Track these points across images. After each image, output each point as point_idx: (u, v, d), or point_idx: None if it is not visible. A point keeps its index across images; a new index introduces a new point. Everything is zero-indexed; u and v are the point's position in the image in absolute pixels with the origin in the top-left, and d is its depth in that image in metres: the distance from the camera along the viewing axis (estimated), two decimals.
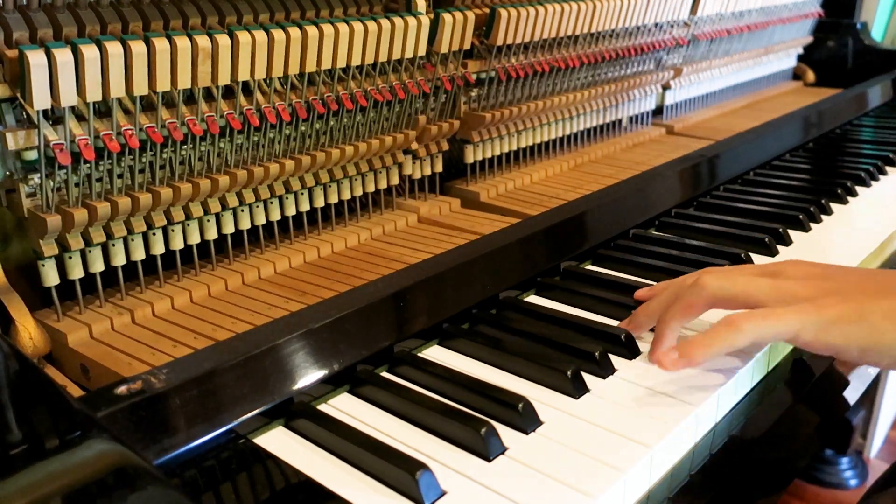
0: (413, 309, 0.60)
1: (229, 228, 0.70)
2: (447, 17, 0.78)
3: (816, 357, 0.62)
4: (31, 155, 0.57)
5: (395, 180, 0.84)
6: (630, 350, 0.57)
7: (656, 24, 1.09)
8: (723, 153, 1.01)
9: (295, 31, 0.65)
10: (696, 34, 1.21)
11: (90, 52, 0.54)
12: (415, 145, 0.82)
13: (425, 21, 0.76)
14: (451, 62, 0.83)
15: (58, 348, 0.60)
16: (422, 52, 0.76)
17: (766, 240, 0.77)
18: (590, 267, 0.74)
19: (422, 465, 0.43)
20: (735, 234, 0.79)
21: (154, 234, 0.64)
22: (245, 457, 0.46)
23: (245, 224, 0.71)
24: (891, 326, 0.48)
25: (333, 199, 0.78)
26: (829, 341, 0.49)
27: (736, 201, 0.91)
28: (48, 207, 0.59)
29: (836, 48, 1.66)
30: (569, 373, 0.52)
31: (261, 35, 0.63)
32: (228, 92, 0.67)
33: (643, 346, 0.58)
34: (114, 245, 0.62)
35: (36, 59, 0.52)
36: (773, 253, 0.76)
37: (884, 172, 1.06)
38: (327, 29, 0.67)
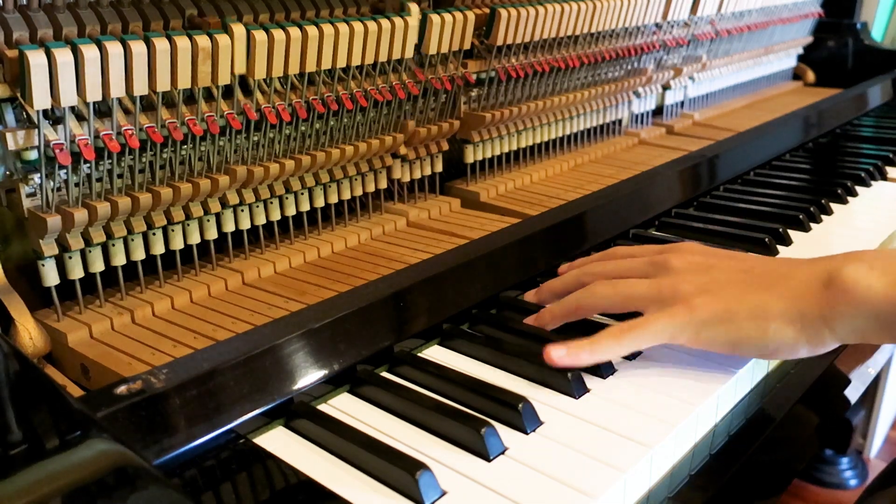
0: (413, 309, 0.60)
1: (229, 228, 0.70)
2: (435, 17, 0.78)
3: (816, 357, 0.62)
4: (31, 155, 0.57)
5: (396, 179, 0.83)
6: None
7: (656, 24, 1.09)
8: (723, 153, 1.01)
9: (295, 31, 0.65)
10: (696, 34, 1.21)
11: (90, 52, 0.54)
12: (403, 149, 0.82)
13: (414, 22, 0.76)
14: (451, 62, 0.83)
15: (58, 348, 0.60)
16: (409, 53, 0.76)
17: (766, 240, 0.77)
18: None
19: (422, 465, 0.43)
20: (735, 234, 0.79)
21: (154, 234, 0.64)
22: (245, 457, 0.46)
23: (245, 224, 0.71)
24: (753, 324, 0.51)
25: (333, 199, 0.78)
26: (702, 340, 0.53)
27: (736, 201, 0.91)
28: (48, 207, 0.59)
29: (836, 48, 1.66)
30: (569, 373, 0.52)
31: (261, 35, 0.63)
32: (228, 92, 0.67)
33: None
34: (114, 245, 0.62)
35: (36, 59, 0.52)
36: (773, 253, 0.76)
37: (884, 172, 1.06)
38: (327, 29, 0.68)
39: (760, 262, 0.57)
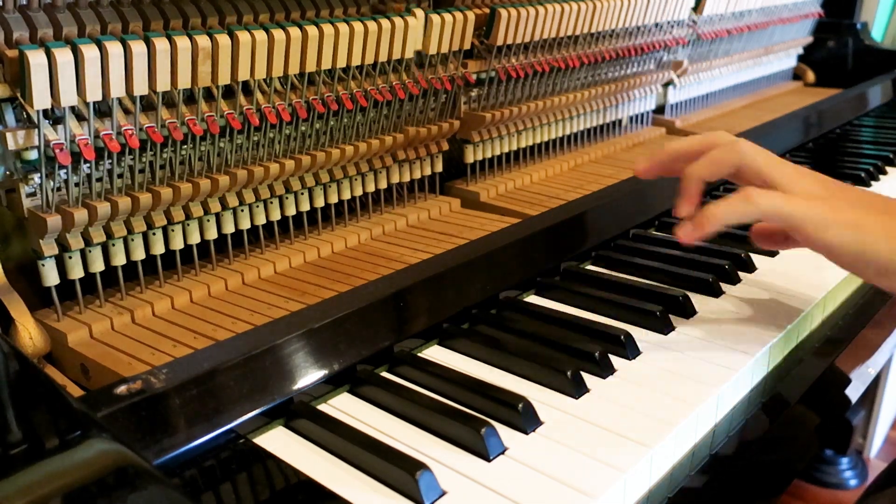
0: (413, 309, 0.60)
1: (229, 228, 0.70)
2: (435, 18, 0.78)
3: (817, 356, 0.62)
4: (32, 155, 0.57)
5: (396, 180, 0.83)
6: (630, 350, 0.57)
7: (656, 24, 1.09)
8: None
9: (295, 31, 0.65)
10: (696, 34, 1.21)
11: (90, 51, 0.54)
12: (402, 154, 0.82)
13: (415, 23, 0.76)
14: (451, 62, 0.83)
15: (58, 348, 0.60)
16: (409, 54, 0.76)
17: None
18: (590, 267, 0.74)
19: (422, 465, 0.43)
20: (735, 234, 0.79)
21: (154, 234, 0.64)
22: (245, 457, 0.46)
23: (245, 224, 0.71)
24: (884, 239, 0.52)
25: (333, 199, 0.78)
26: (826, 239, 0.53)
27: None
28: (48, 207, 0.59)
29: (836, 48, 1.66)
30: (569, 373, 0.52)
31: (261, 35, 0.63)
32: (228, 92, 0.67)
33: (643, 346, 0.58)
34: (114, 245, 0.62)
35: (36, 58, 0.52)
36: (773, 253, 0.76)
37: (884, 172, 1.06)
38: (327, 29, 0.68)
39: (880, 197, 0.58)
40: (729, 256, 0.73)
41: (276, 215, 0.74)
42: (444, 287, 0.63)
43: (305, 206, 0.76)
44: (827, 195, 0.55)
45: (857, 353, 0.68)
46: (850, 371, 0.67)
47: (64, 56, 0.53)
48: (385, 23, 0.72)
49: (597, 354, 0.55)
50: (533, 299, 0.68)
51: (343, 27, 0.69)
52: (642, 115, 1.20)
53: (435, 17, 0.77)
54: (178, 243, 0.66)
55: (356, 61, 0.71)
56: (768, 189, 0.55)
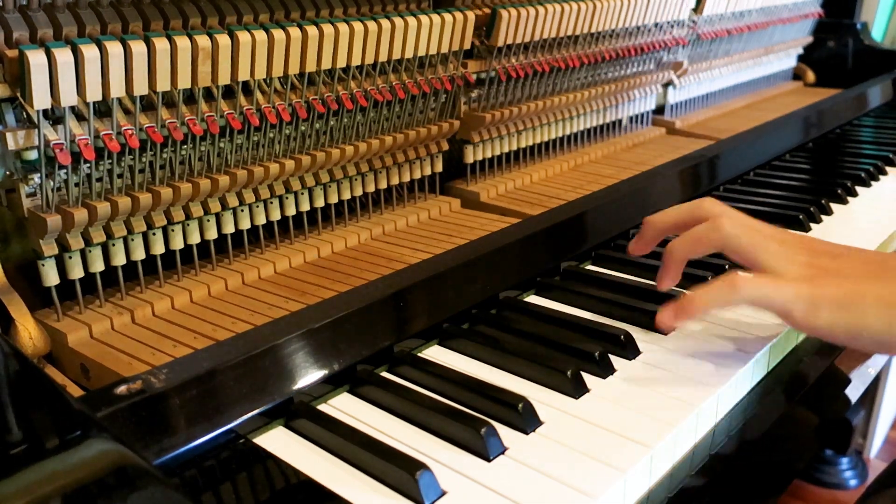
0: (413, 309, 0.60)
1: (229, 228, 0.70)
2: (436, 18, 0.78)
3: (817, 357, 0.62)
4: (31, 155, 0.57)
5: (395, 180, 0.84)
6: (630, 350, 0.57)
7: (656, 24, 1.09)
8: (723, 153, 1.01)
9: (295, 31, 0.65)
10: (696, 34, 1.21)
11: (90, 51, 0.54)
12: (401, 155, 0.82)
13: (426, 21, 0.76)
14: (451, 62, 0.83)
15: (58, 348, 0.60)
16: (409, 54, 0.76)
17: None
18: (590, 267, 0.74)
19: (422, 465, 0.43)
20: None
21: (154, 234, 0.64)
22: (245, 457, 0.46)
23: (245, 224, 0.71)
24: (878, 312, 0.49)
25: (333, 199, 0.78)
26: (817, 325, 0.50)
27: (736, 201, 0.91)
28: (48, 207, 0.59)
29: (836, 48, 1.66)
30: (569, 373, 0.52)
31: (261, 35, 0.63)
32: (228, 92, 0.67)
33: (643, 346, 0.58)
34: (114, 245, 0.62)
35: (36, 58, 0.52)
36: None
37: (884, 172, 1.06)
38: (327, 29, 0.68)
39: (888, 255, 0.55)
40: None
41: (276, 215, 0.74)
42: (444, 287, 0.62)
43: (305, 206, 0.76)
44: (814, 272, 0.52)
45: (857, 353, 0.68)
46: (850, 371, 0.67)
47: (64, 56, 0.53)
48: (385, 23, 0.72)
49: (597, 354, 0.55)
50: (533, 299, 0.68)
51: (343, 27, 0.69)
52: (642, 115, 1.20)
53: (435, 17, 0.77)
54: (178, 243, 0.66)
55: (356, 61, 0.71)
56: (754, 270, 0.53)
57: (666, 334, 0.59)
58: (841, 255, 0.54)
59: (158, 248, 0.65)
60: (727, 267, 0.69)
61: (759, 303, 0.51)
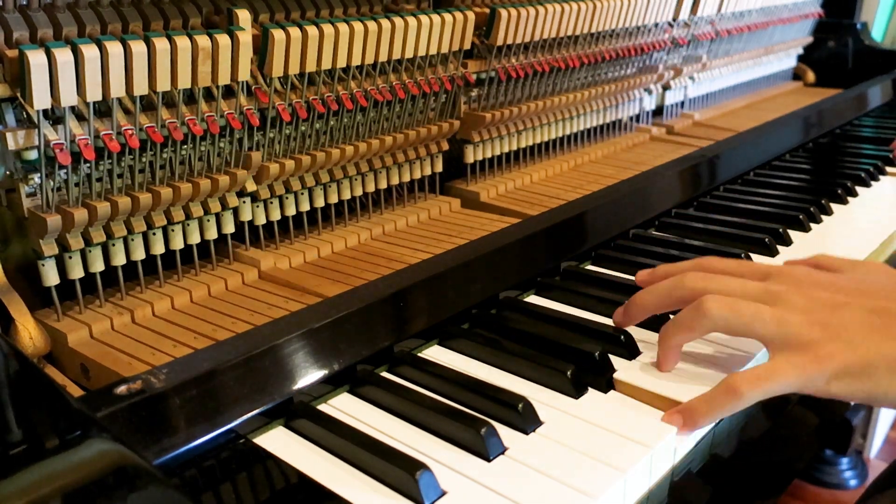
0: (413, 309, 0.60)
1: (229, 228, 0.70)
2: (436, 18, 0.78)
3: None
4: (32, 155, 0.57)
5: (395, 180, 0.84)
6: (630, 350, 0.57)
7: (656, 24, 1.09)
8: (723, 153, 1.01)
9: (295, 31, 0.65)
10: (696, 34, 1.21)
11: (90, 51, 0.54)
12: (401, 155, 0.82)
13: (426, 21, 0.76)
14: (451, 62, 0.83)
15: (58, 348, 0.60)
16: (409, 54, 0.76)
17: (766, 240, 0.77)
18: (590, 267, 0.74)
19: (422, 465, 0.43)
20: (735, 234, 0.79)
21: (154, 233, 0.64)
22: (245, 457, 0.46)
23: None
24: (892, 377, 0.47)
25: (333, 199, 0.78)
26: (832, 392, 0.49)
27: (736, 201, 0.91)
28: (48, 207, 0.59)
29: (836, 48, 1.66)
30: (569, 373, 0.52)
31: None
32: (228, 92, 0.67)
33: (643, 346, 0.58)
34: (114, 245, 0.62)
35: (36, 58, 0.52)
36: (774, 253, 0.76)
37: (884, 172, 1.06)
38: (327, 29, 0.68)
39: (893, 300, 0.51)
40: (728, 256, 0.73)
41: (276, 215, 0.74)
42: (444, 287, 0.62)
43: (305, 206, 0.76)
44: (815, 335, 0.49)
45: None
46: None
47: (64, 56, 0.53)
48: (385, 23, 0.72)
49: (597, 354, 0.55)
50: (533, 299, 0.68)
51: (343, 27, 0.69)
52: (642, 115, 1.20)
53: (435, 17, 0.77)
54: (178, 243, 0.66)
55: (356, 61, 0.71)
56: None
57: None
58: (838, 305, 0.51)
59: (158, 248, 0.65)
60: None
61: (768, 396, 0.49)
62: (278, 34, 0.64)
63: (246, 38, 0.62)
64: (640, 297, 0.58)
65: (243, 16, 0.63)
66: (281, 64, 0.65)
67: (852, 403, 0.66)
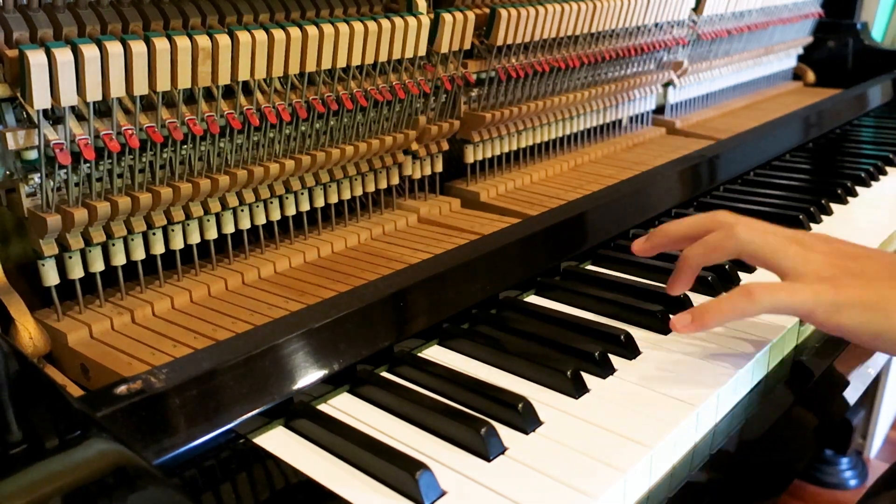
0: (413, 309, 0.60)
1: (229, 228, 0.70)
2: (447, 16, 0.78)
3: (816, 357, 0.62)
4: (32, 155, 0.57)
5: (395, 180, 0.84)
6: (630, 350, 0.57)
7: (656, 24, 1.09)
8: (723, 153, 1.01)
9: (295, 31, 0.65)
10: (696, 34, 1.21)
11: (90, 51, 0.54)
12: (415, 146, 0.82)
13: (426, 21, 0.76)
14: (451, 62, 0.83)
15: (58, 348, 0.60)
16: (422, 52, 0.76)
17: None
18: (590, 267, 0.74)
19: (422, 465, 0.43)
20: None
21: (154, 233, 0.64)
22: (245, 457, 0.46)
23: (245, 224, 0.71)
24: None
25: (333, 199, 0.78)
26: (841, 323, 0.50)
27: (736, 201, 0.91)
28: (48, 207, 0.59)
29: (836, 48, 1.66)
30: (569, 373, 0.52)
31: (261, 35, 0.63)
32: (228, 92, 0.67)
33: (643, 346, 0.58)
34: (114, 245, 0.62)
35: (36, 58, 0.52)
36: None
37: (884, 172, 1.06)
38: (327, 29, 0.68)
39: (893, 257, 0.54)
40: None
41: (276, 215, 0.74)
42: (444, 287, 0.62)
43: (305, 206, 0.76)
44: (835, 272, 0.52)
45: (858, 352, 0.68)
46: (849, 372, 0.67)
47: (64, 56, 0.53)
48: (385, 23, 0.72)
49: (597, 354, 0.55)
50: (533, 299, 0.68)
51: (343, 27, 0.69)
52: (642, 115, 1.20)
53: (447, 17, 0.77)
54: (178, 243, 0.66)
55: (356, 61, 0.71)
56: (775, 274, 0.53)
57: (666, 335, 0.59)
58: (860, 255, 0.54)
59: (158, 248, 0.65)
60: (727, 267, 0.69)
61: (779, 310, 0.51)
62: (278, 34, 0.64)
63: (246, 37, 0.62)
64: (666, 225, 0.59)
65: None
66: (281, 64, 0.65)
67: (852, 403, 0.66)
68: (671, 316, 0.54)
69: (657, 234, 0.59)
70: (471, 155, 0.91)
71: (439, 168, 0.88)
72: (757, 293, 0.50)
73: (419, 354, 0.58)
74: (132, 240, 0.63)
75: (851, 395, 0.69)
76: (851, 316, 0.49)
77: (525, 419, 0.48)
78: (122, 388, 0.45)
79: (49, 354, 0.60)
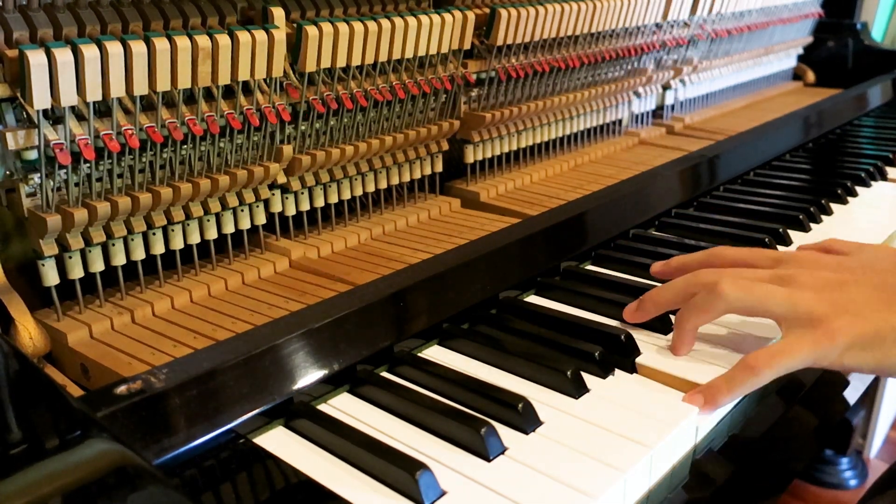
0: (413, 309, 0.60)
1: (229, 228, 0.70)
2: (436, 18, 0.78)
3: None
4: (31, 155, 0.57)
5: (396, 180, 0.84)
6: (630, 350, 0.57)
7: (656, 24, 1.09)
8: (723, 153, 1.01)
9: (294, 31, 0.65)
10: (696, 34, 1.21)
11: (90, 51, 0.54)
12: (401, 155, 0.82)
13: (426, 21, 0.76)
14: (451, 62, 0.83)
15: (58, 348, 0.60)
16: (409, 54, 0.76)
17: (767, 240, 0.77)
18: (590, 267, 0.74)
19: (422, 465, 0.43)
20: (735, 235, 0.79)
21: (154, 233, 0.64)
22: (245, 457, 0.46)
23: (245, 224, 0.71)
24: None
25: (333, 199, 0.78)
26: (844, 364, 0.51)
27: (736, 201, 0.91)
28: (48, 207, 0.59)
29: (836, 48, 1.66)
30: (569, 373, 0.52)
31: (261, 35, 0.63)
32: (228, 92, 0.67)
33: (643, 346, 0.58)
34: (114, 245, 0.62)
35: (36, 58, 0.52)
36: None
37: (884, 172, 1.06)
38: (327, 29, 0.68)
39: (893, 273, 0.54)
40: None
41: (276, 209, 0.73)
42: (444, 287, 0.62)
43: (305, 206, 0.76)
44: (826, 310, 0.51)
45: None
46: (848, 373, 0.67)
47: (64, 56, 0.53)
48: (385, 23, 0.72)
49: (597, 354, 0.55)
50: (533, 299, 0.68)
51: (343, 27, 0.69)
52: (642, 115, 1.20)
53: (435, 18, 0.77)
54: (178, 243, 0.66)
55: (356, 61, 0.71)
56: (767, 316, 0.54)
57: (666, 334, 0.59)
58: (846, 282, 0.54)
59: (158, 248, 0.65)
60: None
61: (785, 371, 0.51)
62: (278, 34, 0.64)
63: (246, 37, 0.62)
64: (654, 293, 0.59)
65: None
66: (281, 64, 0.65)
67: (852, 403, 0.66)
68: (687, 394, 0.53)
69: (647, 303, 0.60)
70: (471, 155, 0.91)
71: (439, 168, 0.88)
72: (759, 366, 0.50)
73: (419, 354, 0.58)
74: (132, 240, 0.63)
75: (851, 395, 0.68)
76: (851, 357, 0.50)
77: (525, 419, 0.48)
78: (122, 388, 0.45)
79: (49, 354, 0.60)
